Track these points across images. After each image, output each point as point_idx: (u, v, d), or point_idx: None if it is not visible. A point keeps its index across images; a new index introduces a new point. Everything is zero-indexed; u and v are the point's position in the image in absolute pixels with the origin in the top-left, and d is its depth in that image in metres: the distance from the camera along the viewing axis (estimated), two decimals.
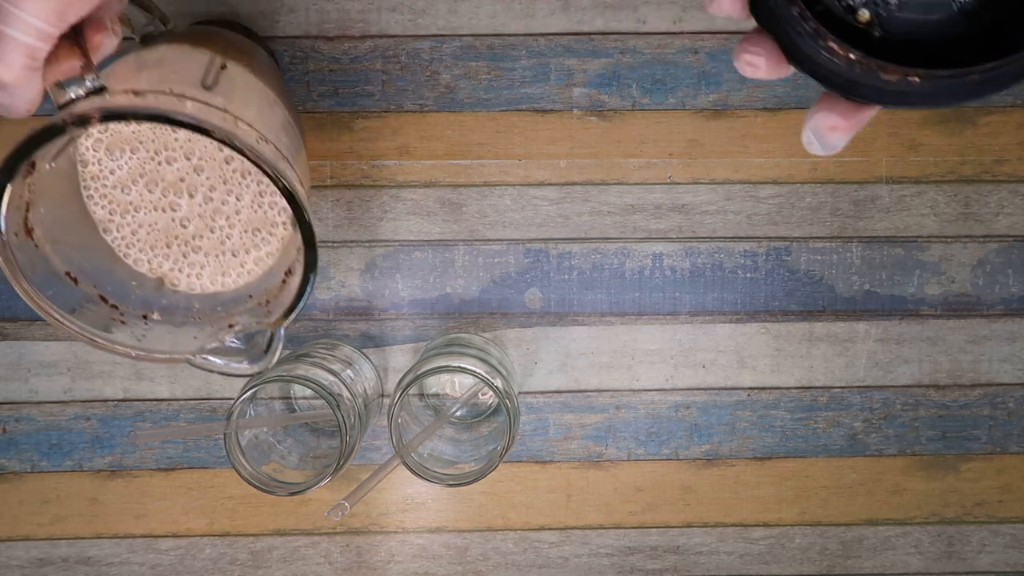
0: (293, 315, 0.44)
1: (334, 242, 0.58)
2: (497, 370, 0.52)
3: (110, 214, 0.45)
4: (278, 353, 0.44)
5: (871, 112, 0.32)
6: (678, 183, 0.58)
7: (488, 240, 0.58)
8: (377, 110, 0.57)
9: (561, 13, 0.56)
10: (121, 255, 0.46)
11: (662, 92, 0.57)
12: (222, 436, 0.51)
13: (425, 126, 0.57)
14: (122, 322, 0.45)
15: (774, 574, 0.61)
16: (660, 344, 0.59)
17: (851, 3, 0.31)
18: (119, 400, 0.58)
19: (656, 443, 0.60)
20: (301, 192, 0.41)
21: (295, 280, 0.45)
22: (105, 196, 0.45)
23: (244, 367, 0.44)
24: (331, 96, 0.57)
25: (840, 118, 0.32)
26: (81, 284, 0.44)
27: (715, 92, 0.57)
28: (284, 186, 0.39)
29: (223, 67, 0.43)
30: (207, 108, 0.39)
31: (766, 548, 0.60)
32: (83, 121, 0.35)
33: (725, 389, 0.59)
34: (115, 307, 0.45)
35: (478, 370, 0.51)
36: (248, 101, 0.43)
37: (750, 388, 0.59)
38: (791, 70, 0.32)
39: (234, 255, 0.47)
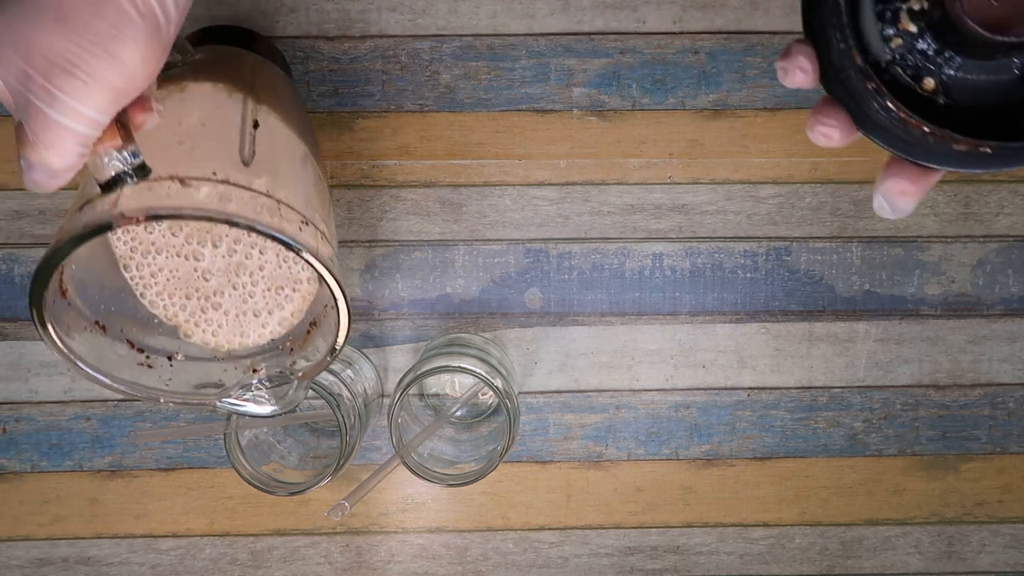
0: (322, 370, 0.45)
1: None
2: (497, 370, 0.52)
3: (131, 251, 0.45)
4: (304, 395, 0.45)
5: (938, 176, 0.34)
6: (678, 183, 0.58)
7: (488, 240, 0.58)
8: (377, 110, 0.57)
9: (561, 13, 0.56)
10: (138, 294, 0.45)
11: (662, 92, 0.57)
12: (222, 436, 0.51)
13: (425, 126, 0.57)
14: (149, 366, 0.45)
15: (774, 574, 0.61)
16: (660, 344, 0.59)
17: (917, 71, 0.33)
18: (119, 400, 0.58)
19: (656, 443, 0.60)
20: (338, 273, 0.41)
21: (320, 333, 0.45)
22: (128, 231, 0.44)
23: (269, 408, 0.45)
24: (331, 96, 0.56)
25: (910, 183, 0.34)
26: (109, 332, 0.44)
27: (715, 92, 0.57)
28: (324, 277, 0.40)
29: (255, 125, 0.43)
30: (252, 197, 0.39)
31: (766, 548, 0.60)
32: (133, 220, 0.36)
33: (725, 389, 0.59)
34: (141, 351, 0.45)
35: (478, 370, 0.51)
36: (283, 165, 0.43)
37: (750, 388, 0.59)
38: (858, 134, 0.34)
39: (255, 315, 0.46)
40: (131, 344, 0.45)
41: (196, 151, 0.40)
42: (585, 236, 0.58)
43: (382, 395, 0.59)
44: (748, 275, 0.58)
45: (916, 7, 0.32)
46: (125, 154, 0.34)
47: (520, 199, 0.57)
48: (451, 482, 0.51)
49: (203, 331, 0.46)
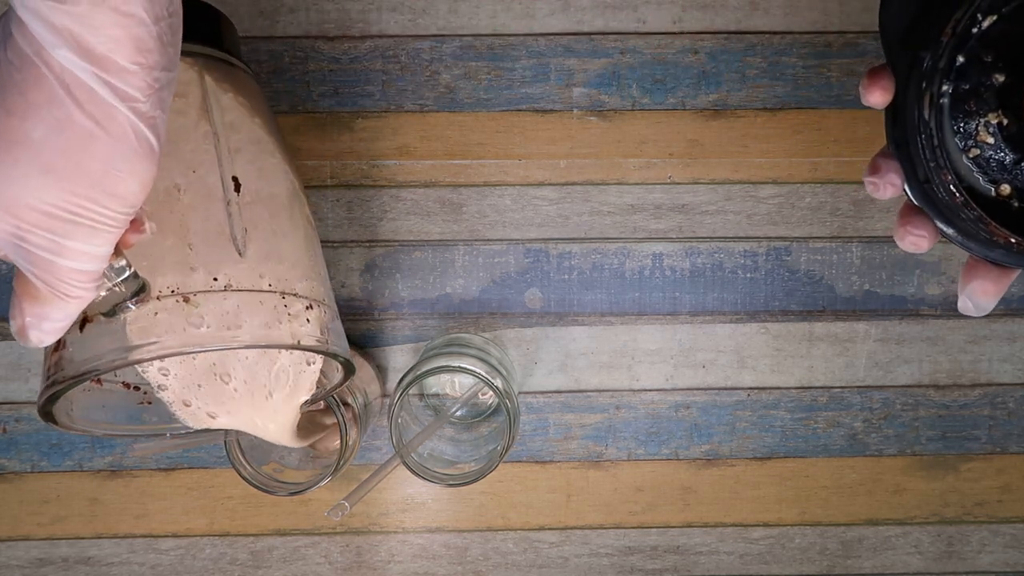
0: (327, 395, 0.46)
1: (334, 242, 0.58)
2: (497, 370, 0.52)
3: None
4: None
5: (1015, 274, 0.37)
6: (678, 183, 0.58)
7: (488, 240, 0.58)
8: (377, 110, 0.57)
9: (561, 13, 0.56)
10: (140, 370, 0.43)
11: (662, 92, 0.57)
12: None
13: (425, 126, 0.57)
14: (148, 403, 0.44)
15: (774, 574, 0.61)
16: (660, 344, 0.59)
17: (992, 178, 0.35)
18: None
19: (656, 443, 0.60)
20: (339, 338, 0.41)
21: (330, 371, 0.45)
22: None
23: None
24: (331, 96, 0.56)
25: (991, 284, 0.37)
26: (106, 382, 0.43)
27: (715, 92, 0.57)
28: (328, 356, 0.39)
29: (237, 187, 0.40)
30: (259, 302, 0.37)
31: (766, 548, 0.60)
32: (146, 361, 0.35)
33: (725, 389, 0.59)
34: (137, 388, 0.45)
35: (478, 370, 0.51)
36: (276, 234, 0.40)
37: (750, 388, 0.59)
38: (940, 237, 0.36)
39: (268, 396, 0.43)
40: (127, 385, 0.44)
41: (188, 242, 0.37)
42: (585, 236, 0.58)
43: (382, 395, 0.59)
44: (748, 275, 0.58)
45: (994, 121, 0.34)
46: (118, 271, 0.33)
47: (520, 199, 0.57)
48: (451, 482, 0.51)
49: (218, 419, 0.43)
